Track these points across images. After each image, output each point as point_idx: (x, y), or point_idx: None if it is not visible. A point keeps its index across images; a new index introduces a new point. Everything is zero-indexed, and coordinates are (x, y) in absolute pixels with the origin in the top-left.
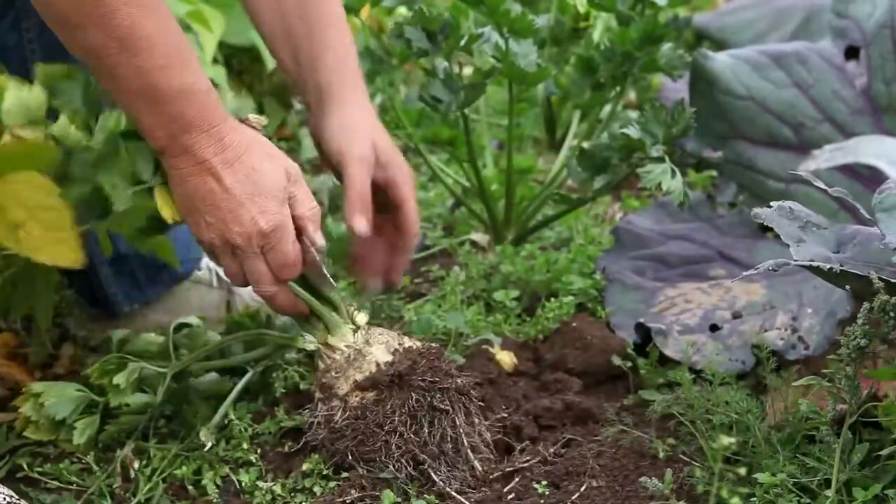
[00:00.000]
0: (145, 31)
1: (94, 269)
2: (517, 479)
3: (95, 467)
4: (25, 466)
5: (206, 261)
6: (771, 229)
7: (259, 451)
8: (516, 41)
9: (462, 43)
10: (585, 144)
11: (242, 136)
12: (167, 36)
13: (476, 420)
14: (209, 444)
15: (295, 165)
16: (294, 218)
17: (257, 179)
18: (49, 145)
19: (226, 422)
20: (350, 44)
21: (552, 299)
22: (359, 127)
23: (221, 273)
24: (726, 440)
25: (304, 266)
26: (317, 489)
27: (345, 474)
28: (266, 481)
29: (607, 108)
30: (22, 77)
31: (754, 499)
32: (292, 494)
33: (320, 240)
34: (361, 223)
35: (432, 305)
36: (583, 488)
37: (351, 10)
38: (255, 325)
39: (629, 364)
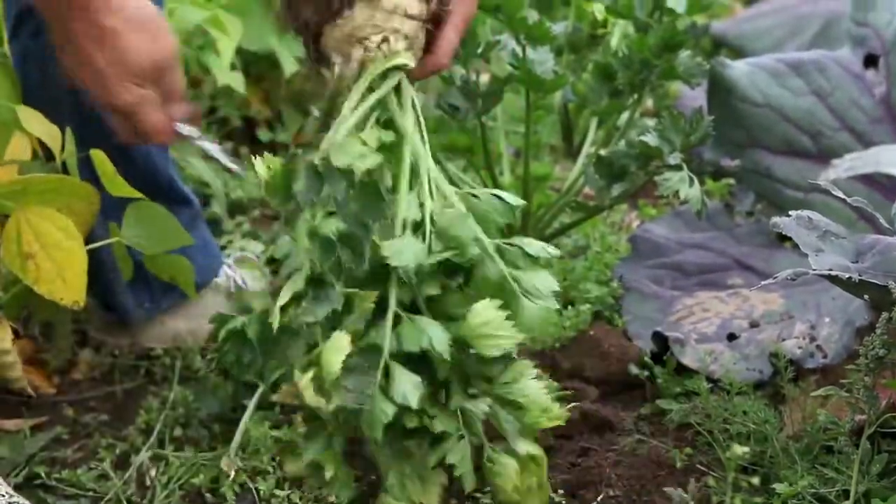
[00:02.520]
0: None
1: (107, 278)
2: None
3: (112, 474)
4: (43, 474)
5: (224, 269)
6: (789, 238)
7: (277, 459)
8: (533, 48)
9: (479, 50)
10: (603, 152)
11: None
12: None
13: None
14: (231, 474)
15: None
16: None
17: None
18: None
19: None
20: None
21: (569, 307)
22: None
23: (240, 280)
24: (740, 450)
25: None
26: (333, 498)
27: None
28: (284, 489)
29: (625, 116)
30: (40, 85)
31: None
32: None
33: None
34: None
35: None
36: (600, 497)
37: None
38: None
39: (646, 373)
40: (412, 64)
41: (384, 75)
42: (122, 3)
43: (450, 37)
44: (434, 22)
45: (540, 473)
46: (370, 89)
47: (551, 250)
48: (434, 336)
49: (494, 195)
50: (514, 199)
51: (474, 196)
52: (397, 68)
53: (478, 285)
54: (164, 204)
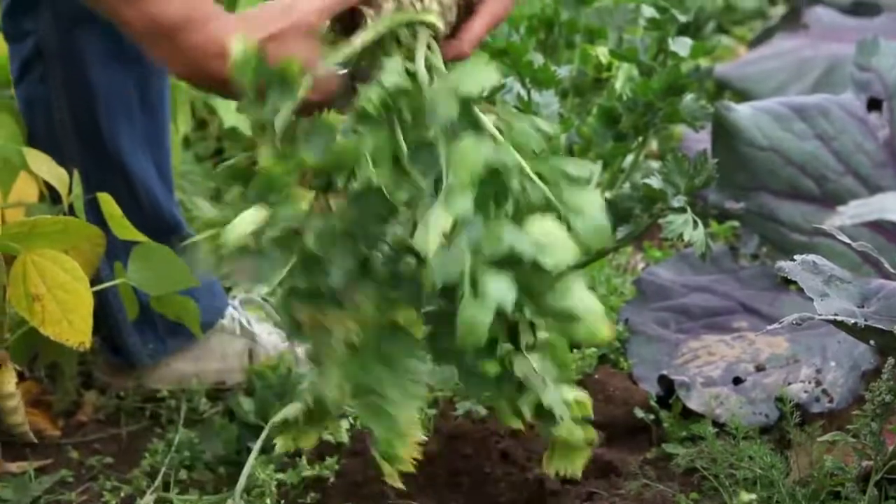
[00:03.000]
0: None
1: (114, 320)
2: None
3: None
4: None
5: (229, 310)
6: (794, 282)
7: (282, 502)
8: (539, 92)
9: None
10: (607, 195)
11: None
12: None
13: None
14: None
15: None
16: None
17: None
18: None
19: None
20: None
21: (575, 350)
22: None
23: (245, 322)
24: (747, 496)
25: None
26: None
27: None
28: None
29: (629, 158)
30: (46, 129)
31: None
32: None
33: None
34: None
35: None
36: None
37: None
38: (276, 377)
39: (652, 417)
40: (441, 27)
41: (413, 32)
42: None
43: (476, 27)
44: (466, 10)
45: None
46: (397, 41)
47: (592, 167)
48: (515, 238)
49: (531, 122)
50: (550, 127)
51: (509, 125)
52: (427, 26)
53: (522, 213)
54: (169, 245)
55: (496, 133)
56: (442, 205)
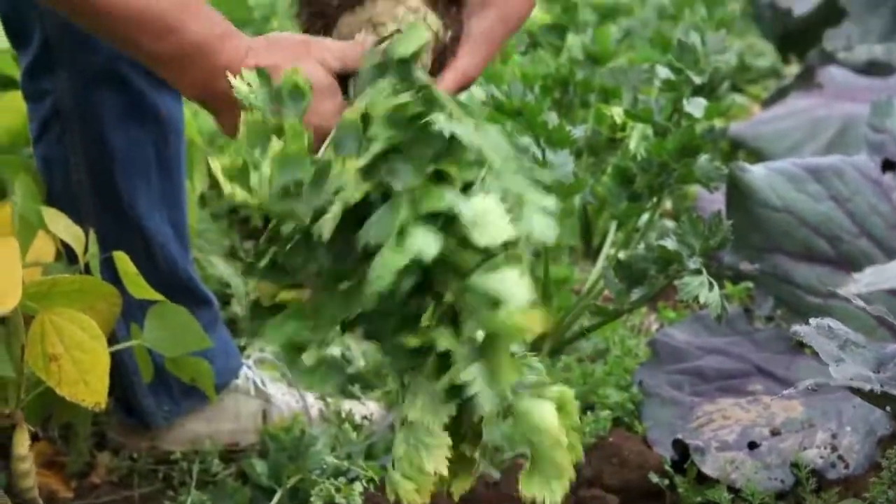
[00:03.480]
0: None
1: (129, 381)
2: None
3: None
4: None
5: (244, 370)
6: (810, 345)
7: None
8: (553, 151)
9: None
10: (622, 255)
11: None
12: None
13: None
14: None
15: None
16: None
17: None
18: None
19: None
20: None
21: (588, 413)
22: None
23: (259, 382)
24: None
25: None
26: None
27: None
28: None
29: (644, 217)
30: (64, 189)
31: None
32: None
33: None
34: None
35: None
36: None
37: None
38: (290, 438)
39: (667, 482)
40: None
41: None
42: (255, 41)
43: (462, 63)
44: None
45: (573, 412)
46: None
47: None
48: (455, 200)
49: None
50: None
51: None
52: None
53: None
54: (185, 304)
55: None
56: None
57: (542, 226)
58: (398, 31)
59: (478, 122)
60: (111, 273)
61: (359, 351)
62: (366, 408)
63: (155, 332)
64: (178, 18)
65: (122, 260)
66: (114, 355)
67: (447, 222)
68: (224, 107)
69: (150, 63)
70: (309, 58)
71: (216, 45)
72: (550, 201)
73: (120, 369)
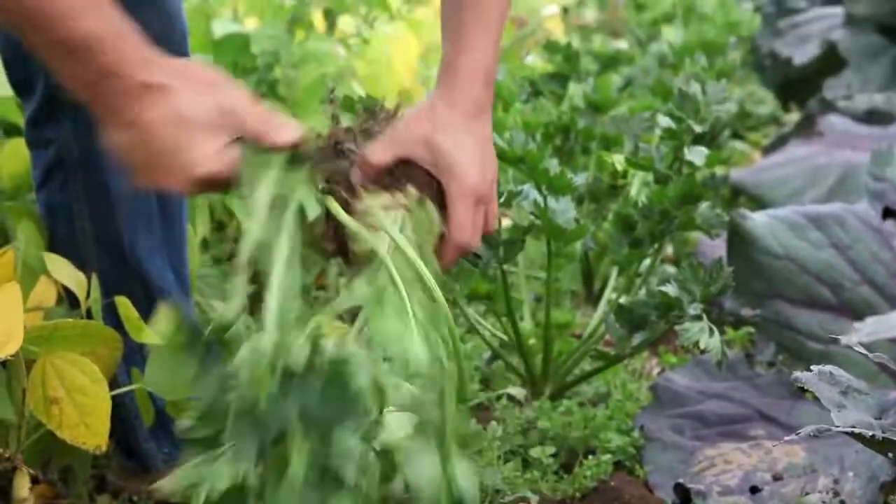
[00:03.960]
0: None
1: (130, 424)
2: None
3: None
4: None
5: None
6: (811, 391)
7: None
8: (555, 198)
9: (502, 200)
10: (623, 300)
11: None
12: None
13: None
14: None
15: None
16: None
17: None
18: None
19: None
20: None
21: (590, 456)
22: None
23: None
24: None
25: None
26: None
27: None
28: None
29: (645, 263)
30: (67, 236)
31: None
32: None
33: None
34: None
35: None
36: None
37: None
38: None
39: None
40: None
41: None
42: (160, 59)
43: (458, 215)
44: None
45: None
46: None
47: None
48: None
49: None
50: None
51: None
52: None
53: None
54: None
55: None
56: None
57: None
58: None
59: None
60: (113, 318)
61: None
62: None
63: (155, 376)
64: (72, 8)
65: (124, 304)
66: (115, 399)
67: None
68: (105, 110)
69: (36, 51)
70: (210, 95)
71: (107, 43)
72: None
73: (121, 413)
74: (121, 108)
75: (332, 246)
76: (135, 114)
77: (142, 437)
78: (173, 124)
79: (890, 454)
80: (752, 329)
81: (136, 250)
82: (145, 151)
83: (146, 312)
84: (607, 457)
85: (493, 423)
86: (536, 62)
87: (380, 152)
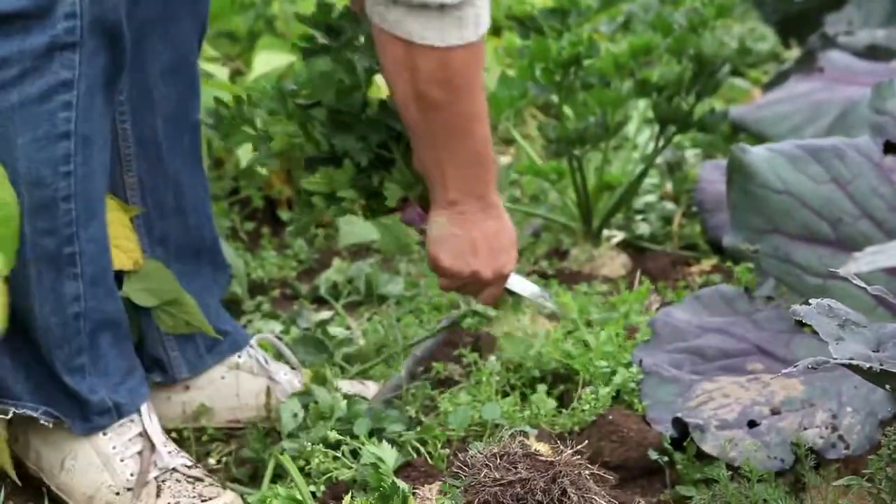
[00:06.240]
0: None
1: (159, 334)
2: None
3: None
4: None
5: (247, 348)
6: (809, 325)
7: None
8: None
9: None
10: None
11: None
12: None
13: None
14: None
15: None
16: None
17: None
18: None
19: None
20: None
21: (588, 389)
22: None
23: (262, 360)
24: None
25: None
26: None
27: None
28: None
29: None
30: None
31: None
32: None
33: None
34: None
35: (467, 395)
36: None
37: None
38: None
39: (666, 459)
40: None
41: None
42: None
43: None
44: None
45: None
46: None
47: None
48: None
49: None
50: None
51: None
52: None
53: None
54: (208, 266)
55: None
56: None
57: None
58: None
59: None
60: None
61: (359, 330)
62: (365, 388)
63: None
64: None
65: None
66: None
67: None
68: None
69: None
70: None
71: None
72: None
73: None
74: (493, 205)
75: None
76: (499, 213)
77: (168, 347)
78: (511, 232)
79: (888, 386)
80: (750, 265)
81: (174, 160)
82: (496, 241)
83: (174, 222)
84: (605, 391)
85: (493, 357)
86: None
87: None
